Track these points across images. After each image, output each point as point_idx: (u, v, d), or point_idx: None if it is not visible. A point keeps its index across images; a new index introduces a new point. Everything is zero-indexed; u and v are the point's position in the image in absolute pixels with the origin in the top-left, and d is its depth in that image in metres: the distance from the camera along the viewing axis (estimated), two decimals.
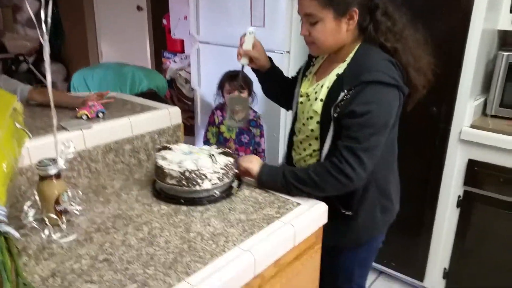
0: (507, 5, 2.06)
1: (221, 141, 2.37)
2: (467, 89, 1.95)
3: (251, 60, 1.40)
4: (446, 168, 2.08)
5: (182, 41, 3.36)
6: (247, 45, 1.33)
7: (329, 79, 1.24)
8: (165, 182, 1.19)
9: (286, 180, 1.22)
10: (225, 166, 1.25)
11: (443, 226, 2.15)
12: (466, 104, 1.97)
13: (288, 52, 2.41)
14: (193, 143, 3.04)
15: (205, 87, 2.86)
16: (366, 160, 1.15)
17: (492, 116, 2.11)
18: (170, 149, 1.28)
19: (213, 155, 1.25)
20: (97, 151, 1.36)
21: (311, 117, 1.27)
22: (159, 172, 1.19)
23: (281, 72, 1.51)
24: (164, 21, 3.43)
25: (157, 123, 1.54)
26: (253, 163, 1.29)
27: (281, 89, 1.51)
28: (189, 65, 3.00)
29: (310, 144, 1.32)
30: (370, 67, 1.15)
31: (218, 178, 1.22)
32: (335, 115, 1.17)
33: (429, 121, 2.05)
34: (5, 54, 4.74)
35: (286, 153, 1.50)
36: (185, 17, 2.78)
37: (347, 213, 1.29)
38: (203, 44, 2.77)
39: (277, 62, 2.40)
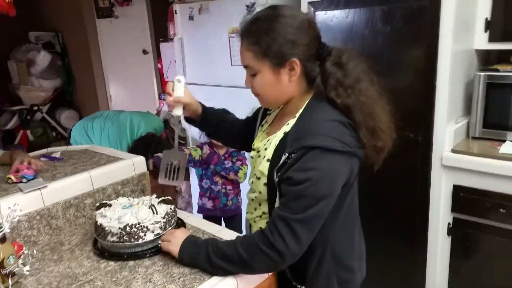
0: (480, 24, 2.03)
1: (208, 175, 2.42)
2: (443, 113, 1.90)
3: (183, 108, 1.31)
4: (432, 196, 2.01)
5: None
6: (179, 92, 1.27)
7: (277, 137, 1.14)
8: (107, 240, 1.20)
9: (210, 262, 1.08)
10: (166, 215, 1.26)
11: (436, 256, 2.07)
12: (445, 129, 1.92)
13: None
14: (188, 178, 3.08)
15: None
16: (300, 233, 1.01)
17: (476, 138, 2.05)
18: (109, 205, 1.30)
19: (153, 205, 1.27)
20: (57, 208, 1.40)
21: (259, 178, 1.17)
22: (100, 230, 1.21)
23: (219, 112, 1.44)
24: (159, 65, 3.54)
25: (120, 174, 1.57)
26: (172, 244, 1.16)
27: (227, 129, 1.46)
28: None
29: (260, 205, 1.22)
30: (314, 129, 1.04)
31: (160, 228, 1.23)
32: (276, 179, 1.07)
33: (407, 148, 2.00)
34: (21, 106, 4.97)
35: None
36: (175, 61, 2.87)
37: (299, 286, 1.18)
38: (190, 86, 2.83)
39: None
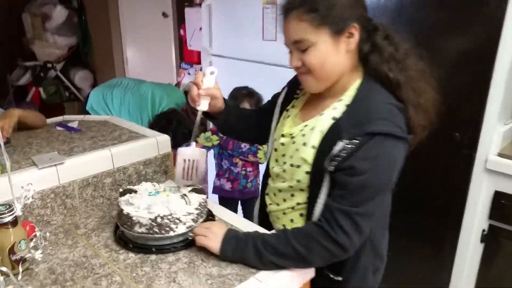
0: None
1: (226, 155, 2.28)
2: (495, 113, 1.73)
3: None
4: (469, 199, 1.87)
5: (199, 53, 3.28)
6: (210, 84, 1.13)
7: (322, 122, 1.04)
8: (133, 231, 1.08)
9: (260, 257, 1.01)
10: (199, 206, 1.14)
11: (465, 261, 1.95)
12: (494, 130, 1.76)
13: None
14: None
15: None
16: (363, 226, 0.98)
17: None
18: (134, 191, 1.17)
19: (185, 195, 1.14)
20: (73, 187, 1.28)
21: (298, 166, 1.07)
22: (126, 220, 1.09)
23: (237, 107, 1.32)
24: (181, 31, 3.36)
25: (143, 153, 1.44)
26: (210, 240, 1.05)
27: (245, 124, 1.34)
28: None
29: (292, 195, 1.12)
30: (375, 113, 0.98)
31: (193, 220, 1.11)
32: (331, 168, 0.99)
33: (451, 148, 1.86)
34: (34, 62, 4.83)
35: (261, 198, 1.34)
36: (200, 29, 2.69)
37: (336, 278, 1.12)
38: (216, 57, 2.67)
39: (288, 78, 2.28)
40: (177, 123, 2.47)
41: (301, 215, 1.13)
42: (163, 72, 4.56)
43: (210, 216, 1.21)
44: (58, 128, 1.59)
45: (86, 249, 1.11)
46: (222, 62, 2.63)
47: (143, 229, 1.07)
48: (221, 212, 1.29)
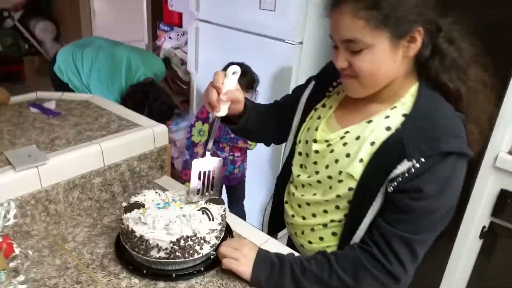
0: None
1: (217, 140, 2.08)
2: (510, 112, 1.64)
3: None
4: (473, 195, 1.81)
5: (180, 14, 2.99)
6: (231, 86, 0.94)
7: (374, 133, 0.89)
8: (150, 255, 0.91)
9: (299, 285, 0.88)
10: (221, 220, 0.98)
11: (461, 255, 1.91)
12: (507, 127, 1.67)
13: (301, 43, 2.08)
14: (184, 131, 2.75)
15: (203, 72, 2.54)
16: (420, 255, 0.87)
17: None
18: (142, 206, 0.98)
19: (206, 209, 0.97)
20: (57, 190, 1.08)
21: (340, 180, 0.93)
22: (139, 243, 0.90)
23: (255, 107, 1.11)
24: None
25: (138, 147, 1.24)
26: (241, 264, 0.91)
27: (262, 127, 1.15)
28: (186, 43, 2.66)
29: (326, 211, 0.98)
30: (447, 129, 0.84)
31: (216, 237, 0.95)
32: (390, 189, 0.85)
33: None
34: None
35: (274, 203, 1.19)
36: None
37: None
38: (203, 23, 2.42)
39: (287, 55, 2.07)
40: (154, 97, 2.21)
41: (333, 233, 0.99)
42: (133, 29, 4.21)
43: (228, 233, 1.05)
44: (32, 109, 1.35)
45: (79, 273, 0.93)
46: (210, 29, 2.39)
47: (162, 254, 0.89)
48: (236, 224, 1.12)
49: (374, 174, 0.88)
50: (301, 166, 1.06)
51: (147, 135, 1.26)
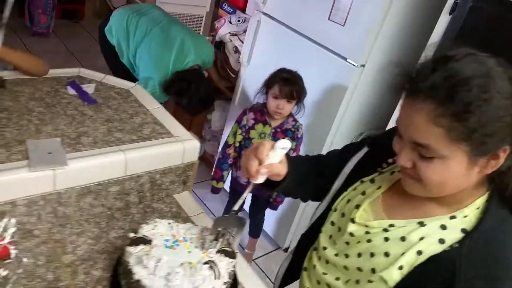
0: None
1: (247, 147, 1.98)
2: None
3: None
4: None
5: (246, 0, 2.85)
6: (275, 160, 0.85)
7: (425, 243, 0.77)
8: None
9: None
10: (228, 277, 0.90)
11: None
12: None
13: (363, 66, 1.93)
14: (226, 114, 2.67)
15: (254, 66, 2.42)
16: None
17: None
18: (149, 242, 0.91)
19: (213, 263, 0.89)
20: (70, 194, 1.02)
21: (371, 281, 0.81)
22: (135, 286, 0.83)
23: (298, 170, 0.97)
24: None
25: (164, 161, 1.17)
26: None
27: (302, 190, 1.05)
28: (244, 31, 2.53)
29: None
30: (507, 268, 0.72)
31: None
32: None
33: None
34: None
35: (292, 259, 1.10)
36: None
37: None
38: (266, 18, 2.28)
39: (345, 74, 1.93)
40: (196, 87, 2.13)
41: None
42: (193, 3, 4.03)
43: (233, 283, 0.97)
44: (70, 90, 1.29)
45: None
46: (272, 25, 2.24)
47: None
48: (244, 276, 1.03)
49: (411, 286, 0.77)
50: (330, 237, 0.95)
51: (177, 149, 1.18)
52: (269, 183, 0.92)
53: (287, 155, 0.91)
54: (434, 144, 0.68)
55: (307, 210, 2.31)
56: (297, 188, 1.01)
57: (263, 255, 2.43)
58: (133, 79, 2.17)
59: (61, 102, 1.23)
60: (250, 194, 2.18)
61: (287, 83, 1.84)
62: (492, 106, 0.65)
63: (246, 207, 2.29)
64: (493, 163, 0.71)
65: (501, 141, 0.68)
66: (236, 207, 0.89)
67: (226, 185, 2.20)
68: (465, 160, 0.69)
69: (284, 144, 0.81)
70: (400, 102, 0.75)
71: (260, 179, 0.83)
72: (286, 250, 2.47)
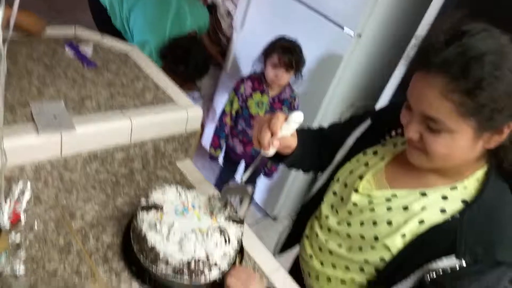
0: None
1: (245, 116, 1.97)
2: None
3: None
4: None
5: None
6: (288, 132, 0.84)
7: (426, 213, 0.80)
8: (156, 267, 0.85)
9: None
10: (237, 243, 0.92)
11: None
12: None
13: (359, 36, 1.92)
14: (217, 81, 2.64)
15: (247, 33, 2.37)
16: None
17: None
18: (161, 208, 0.91)
19: (225, 231, 0.91)
20: (76, 160, 1.01)
21: (374, 247, 0.85)
22: (147, 250, 0.84)
23: (305, 143, 0.96)
24: None
25: (168, 128, 1.16)
26: None
27: (308, 161, 1.06)
28: None
29: (347, 268, 0.91)
30: (510, 235, 0.76)
31: (228, 263, 0.90)
32: (427, 279, 0.77)
33: None
34: None
35: (291, 229, 1.12)
36: None
37: None
38: None
39: (341, 43, 1.92)
40: (194, 54, 2.08)
41: None
42: None
43: (239, 253, 0.99)
44: (68, 50, 1.25)
45: (81, 262, 0.88)
46: None
47: (169, 270, 0.84)
48: (250, 245, 1.06)
49: (414, 256, 0.80)
50: (332, 207, 0.98)
51: (181, 117, 1.17)
52: (276, 155, 0.92)
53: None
54: (444, 118, 0.70)
55: (298, 179, 2.34)
56: (304, 161, 1.02)
57: (252, 222, 2.47)
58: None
59: (60, 63, 1.19)
60: (243, 162, 2.19)
61: (286, 52, 1.82)
62: (503, 83, 0.67)
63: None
64: (496, 138, 0.74)
65: (507, 117, 0.70)
66: (245, 177, 0.90)
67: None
68: (471, 134, 0.72)
69: (299, 118, 0.81)
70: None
71: (272, 151, 0.83)
72: (275, 218, 2.51)
